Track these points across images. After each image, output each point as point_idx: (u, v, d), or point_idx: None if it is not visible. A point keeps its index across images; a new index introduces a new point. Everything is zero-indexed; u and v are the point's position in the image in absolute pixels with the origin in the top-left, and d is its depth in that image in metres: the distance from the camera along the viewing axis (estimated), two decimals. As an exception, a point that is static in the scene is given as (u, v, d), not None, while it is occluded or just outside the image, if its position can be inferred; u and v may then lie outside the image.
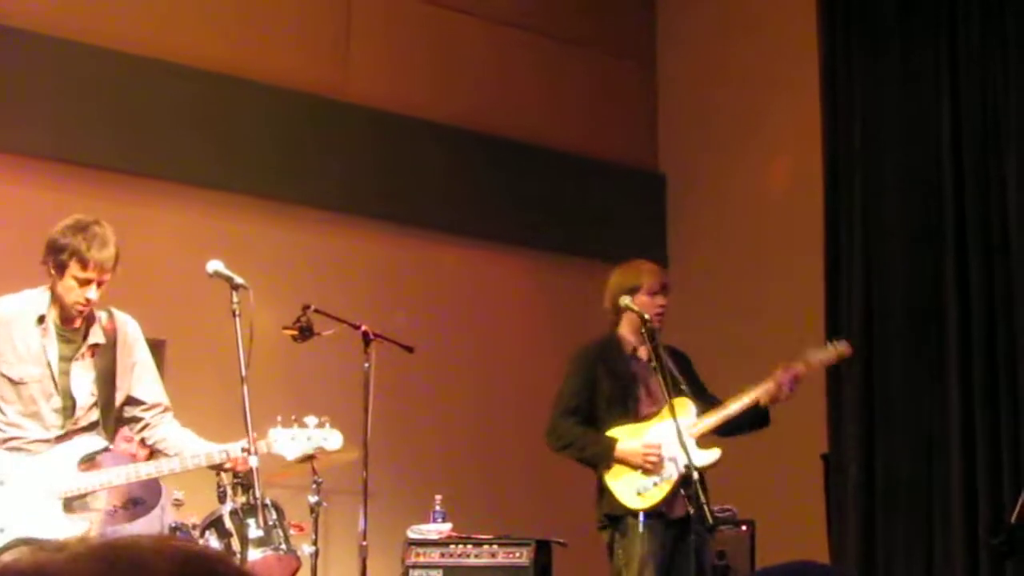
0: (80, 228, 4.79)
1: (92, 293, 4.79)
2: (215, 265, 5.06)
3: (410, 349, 6.47)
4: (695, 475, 5.41)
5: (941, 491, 7.88)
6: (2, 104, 7.36)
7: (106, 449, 4.93)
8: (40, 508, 4.72)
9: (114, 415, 4.96)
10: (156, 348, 7.89)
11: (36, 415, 4.82)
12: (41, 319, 4.86)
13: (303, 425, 5.08)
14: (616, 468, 5.73)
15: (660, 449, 5.67)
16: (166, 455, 4.98)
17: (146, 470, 4.93)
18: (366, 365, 6.07)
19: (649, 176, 9.99)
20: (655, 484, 5.66)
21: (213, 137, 8.07)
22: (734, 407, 5.78)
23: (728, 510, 7.01)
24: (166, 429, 5.04)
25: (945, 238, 8.04)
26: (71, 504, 4.80)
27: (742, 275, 9.32)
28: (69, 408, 4.86)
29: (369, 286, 8.36)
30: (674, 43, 10.11)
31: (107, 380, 4.92)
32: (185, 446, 4.97)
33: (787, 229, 9.14)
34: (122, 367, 4.99)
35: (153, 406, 5.05)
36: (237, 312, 4.93)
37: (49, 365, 4.83)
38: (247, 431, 4.78)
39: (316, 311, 6.21)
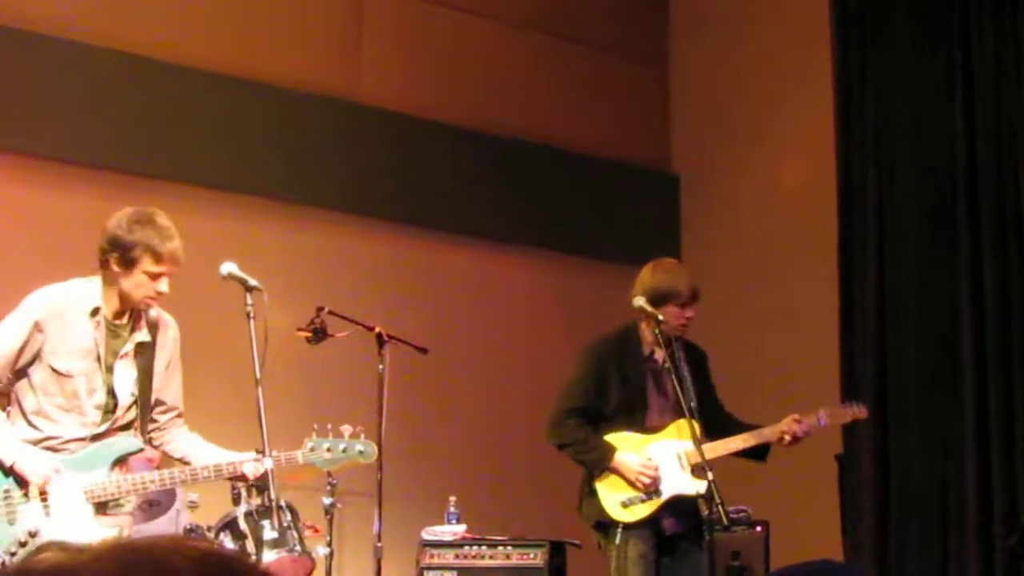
0: (147, 221, 4.74)
1: (164, 286, 4.78)
2: (229, 267, 5.07)
3: (424, 350, 6.47)
4: (710, 475, 5.41)
5: (956, 491, 7.86)
6: (17, 107, 7.38)
7: (140, 450, 4.92)
8: (73, 512, 4.69)
9: (149, 415, 4.95)
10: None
11: (77, 409, 4.77)
12: (95, 311, 4.81)
13: (338, 435, 5.08)
14: (609, 476, 5.72)
15: (657, 471, 5.67)
16: (175, 459, 4.97)
17: (181, 477, 4.90)
18: (380, 367, 6.08)
19: (662, 176, 9.98)
20: (642, 500, 5.67)
21: (225, 140, 8.09)
22: (739, 444, 5.81)
23: (743, 511, 7.00)
24: (175, 434, 5.08)
25: (960, 237, 8.02)
26: (103, 507, 4.78)
27: (756, 275, 9.30)
28: (111, 406, 4.83)
29: (382, 288, 8.37)
30: (686, 43, 10.10)
31: (146, 379, 4.90)
32: (200, 453, 4.97)
33: (801, 229, 9.13)
34: (159, 367, 4.98)
35: (170, 409, 5.06)
36: (251, 314, 4.94)
37: (99, 359, 4.80)
38: (261, 433, 4.79)
39: (330, 313, 6.22)
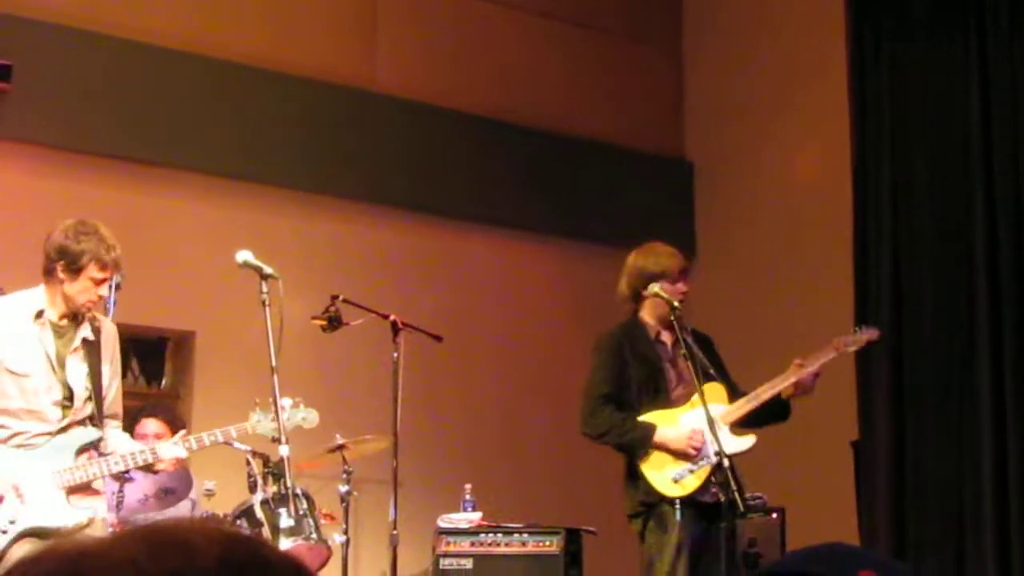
0: (90, 232, 5.01)
1: (105, 290, 5.05)
2: (245, 255, 5.09)
3: (439, 338, 6.47)
4: (726, 462, 5.41)
5: (972, 482, 7.83)
6: (32, 96, 7.39)
7: (100, 439, 5.09)
8: (46, 498, 4.91)
9: (104, 408, 5.11)
10: (185, 339, 7.97)
11: (38, 412, 4.98)
12: (39, 314, 5.03)
13: (280, 407, 5.24)
14: (652, 455, 5.71)
15: (703, 435, 5.65)
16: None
17: (143, 456, 5.08)
18: (395, 354, 6.08)
19: (677, 164, 9.96)
20: (691, 472, 5.66)
21: (240, 128, 8.10)
22: (763, 395, 5.77)
23: (759, 497, 6.99)
24: (109, 433, 5.19)
25: (975, 225, 7.99)
26: (74, 491, 4.98)
27: (771, 262, 9.29)
28: (68, 400, 5.02)
29: (397, 275, 8.37)
30: (701, 30, 10.08)
31: (95, 375, 5.10)
32: (126, 445, 5.16)
33: (816, 216, 9.10)
34: (104, 365, 5.15)
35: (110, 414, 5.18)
36: (267, 302, 4.97)
37: (48, 357, 5.01)
38: (278, 421, 4.82)
39: (345, 301, 6.22)
